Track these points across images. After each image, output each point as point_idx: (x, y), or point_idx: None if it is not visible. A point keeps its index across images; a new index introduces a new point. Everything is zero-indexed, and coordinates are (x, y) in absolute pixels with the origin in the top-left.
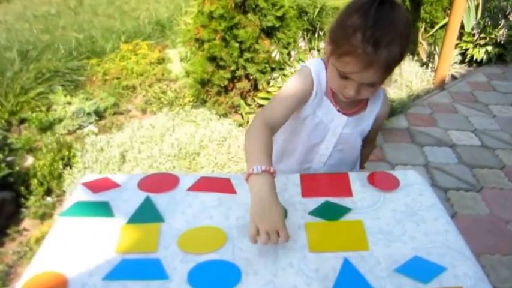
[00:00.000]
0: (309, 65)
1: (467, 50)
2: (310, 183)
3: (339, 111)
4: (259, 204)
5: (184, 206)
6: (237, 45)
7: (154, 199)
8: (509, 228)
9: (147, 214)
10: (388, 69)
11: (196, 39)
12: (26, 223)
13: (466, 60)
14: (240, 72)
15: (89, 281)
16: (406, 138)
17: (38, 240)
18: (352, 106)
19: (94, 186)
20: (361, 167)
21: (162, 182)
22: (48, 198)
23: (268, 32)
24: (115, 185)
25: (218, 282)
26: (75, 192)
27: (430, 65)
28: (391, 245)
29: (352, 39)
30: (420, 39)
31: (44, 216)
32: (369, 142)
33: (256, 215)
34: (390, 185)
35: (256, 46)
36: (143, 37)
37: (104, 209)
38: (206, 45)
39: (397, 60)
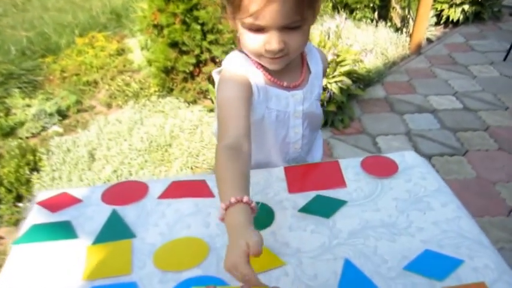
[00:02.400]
0: (227, 66)
1: (442, 10)
2: (297, 176)
3: (288, 89)
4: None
5: (156, 217)
6: (198, 27)
7: (121, 212)
8: (497, 189)
9: (115, 230)
10: None
11: (155, 25)
12: (1, 231)
13: (442, 21)
14: (205, 55)
15: None
16: (385, 108)
17: None
18: (294, 75)
19: (52, 205)
20: None
21: (129, 191)
22: (20, 204)
23: None
24: (76, 201)
25: None
26: (31, 214)
27: (405, 29)
28: (396, 240)
29: None
30: (393, 3)
31: (18, 222)
32: None
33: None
34: (387, 169)
35: (220, 26)
36: (99, 28)
37: (65, 229)
38: (166, 31)
39: None
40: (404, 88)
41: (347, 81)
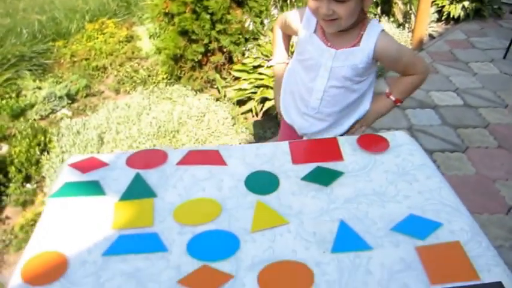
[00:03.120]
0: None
1: (443, 7)
2: (300, 150)
3: (329, 46)
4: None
5: (175, 180)
6: (208, 16)
7: (144, 175)
8: (496, 186)
9: (138, 190)
10: None
11: (165, 14)
12: (8, 211)
13: (443, 17)
14: (213, 45)
15: (89, 258)
16: None
17: (23, 227)
18: (344, 42)
19: (82, 167)
20: (390, 94)
21: (151, 158)
22: (28, 185)
23: (239, 1)
24: (103, 164)
25: (218, 251)
26: (63, 173)
27: (407, 25)
28: (385, 206)
29: None
30: None
31: (26, 204)
32: (404, 74)
33: None
34: (380, 146)
35: (228, 17)
36: (108, 15)
37: (94, 188)
38: (176, 19)
39: None
40: None
41: None
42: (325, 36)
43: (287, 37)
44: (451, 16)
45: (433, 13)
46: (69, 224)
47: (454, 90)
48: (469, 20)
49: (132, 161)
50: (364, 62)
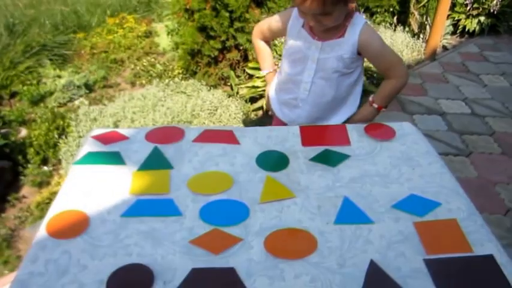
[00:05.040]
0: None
1: (459, 20)
2: (310, 134)
3: (315, 39)
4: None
5: (190, 155)
6: (227, 14)
7: (162, 149)
8: (497, 189)
9: (156, 162)
10: None
11: (186, 10)
12: (25, 190)
13: (458, 31)
14: (231, 42)
15: (109, 218)
16: (396, 107)
17: (39, 205)
18: (330, 35)
19: (104, 139)
20: (373, 102)
21: (169, 134)
22: (45, 167)
23: (259, 1)
24: (124, 138)
25: (228, 217)
26: (86, 144)
27: (422, 35)
28: (388, 186)
29: None
30: (412, 9)
31: (42, 184)
32: (385, 76)
33: None
34: (386, 134)
35: (247, 15)
36: (129, 11)
37: (115, 157)
38: (196, 15)
39: None
40: (417, 90)
41: None
42: (312, 30)
43: (269, 45)
44: (467, 30)
45: (449, 26)
46: (91, 188)
47: (462, 99)
48: (484, 35)
49: (151, 136)
50: (350, 52)
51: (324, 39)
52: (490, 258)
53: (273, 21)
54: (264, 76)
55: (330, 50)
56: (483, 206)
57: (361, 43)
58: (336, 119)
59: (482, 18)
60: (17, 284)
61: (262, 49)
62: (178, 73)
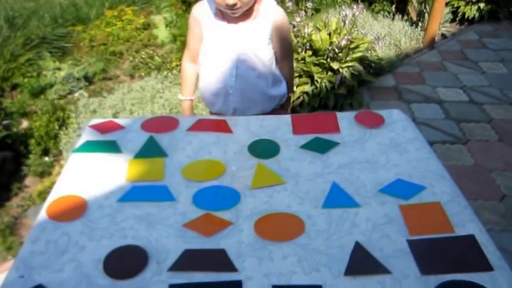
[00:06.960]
0: (193, 10)
1: (458, 7)
2: (300, 123)
3: (230, 23)
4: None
5: (185, 144)
6: None
7: (157, 138)
8: (492, 176)
9: (151, 150)
10: None
11: (183, 1)
12: (27, 180)
13: (457, 18)
14: None
15: (105, 203)
16: (394, 96)
17: (41, 194)
18: (243, 17)
19: (101, 128)
20: (291, 92)
21: (163, 123)
22: (46, 158)
23: None
24: (120, 127)
25: (220, 202)
26: (84, 133)
27: (420, 24)
28: (376, 172)
29: None
30: None
31: (43, 174)
32: (281, 62)
33: None
34: (375, 122)
35: None
36: (127, 3)
37: (112, 146)
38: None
39: None
40: (414, 79)
41: (358, 67)
42: (224, 16)
43: (195, 74)
44: (466, 17)
45: (448, 13)
46: (88, 174)
47: (460, 87)
48: (484, 21)
49: (147, 125)
50: (265, 32)
51: (237, 22)
52: (471, 238)
53: (191, 29)
54: (182, 101)
55: (246, 32)
56: (479, 192)
57: (275, 23)
58: (271, 104)
59: (482, 5)
60: (19, 262)
61: (188, 75)
62: (177, 65)
